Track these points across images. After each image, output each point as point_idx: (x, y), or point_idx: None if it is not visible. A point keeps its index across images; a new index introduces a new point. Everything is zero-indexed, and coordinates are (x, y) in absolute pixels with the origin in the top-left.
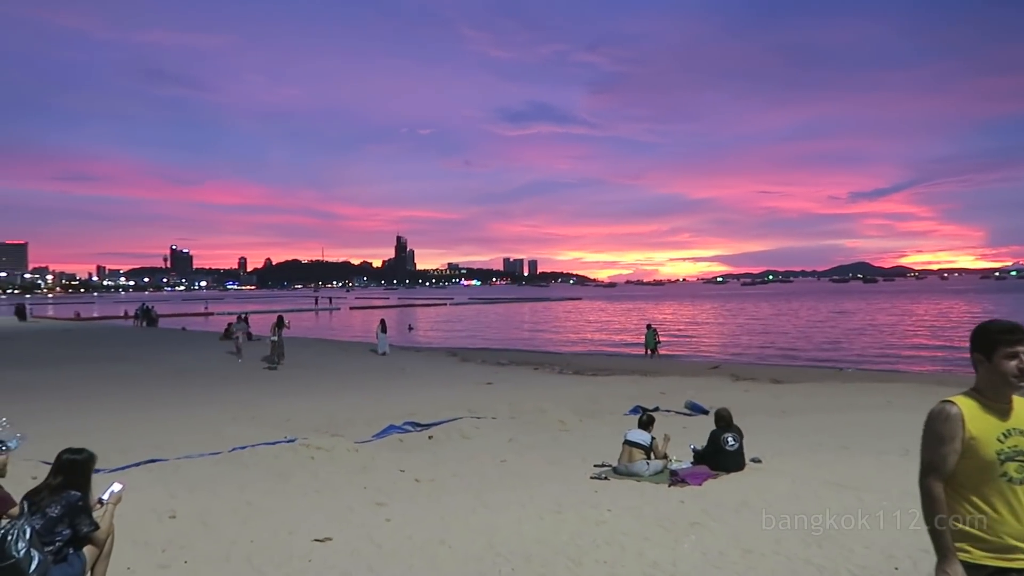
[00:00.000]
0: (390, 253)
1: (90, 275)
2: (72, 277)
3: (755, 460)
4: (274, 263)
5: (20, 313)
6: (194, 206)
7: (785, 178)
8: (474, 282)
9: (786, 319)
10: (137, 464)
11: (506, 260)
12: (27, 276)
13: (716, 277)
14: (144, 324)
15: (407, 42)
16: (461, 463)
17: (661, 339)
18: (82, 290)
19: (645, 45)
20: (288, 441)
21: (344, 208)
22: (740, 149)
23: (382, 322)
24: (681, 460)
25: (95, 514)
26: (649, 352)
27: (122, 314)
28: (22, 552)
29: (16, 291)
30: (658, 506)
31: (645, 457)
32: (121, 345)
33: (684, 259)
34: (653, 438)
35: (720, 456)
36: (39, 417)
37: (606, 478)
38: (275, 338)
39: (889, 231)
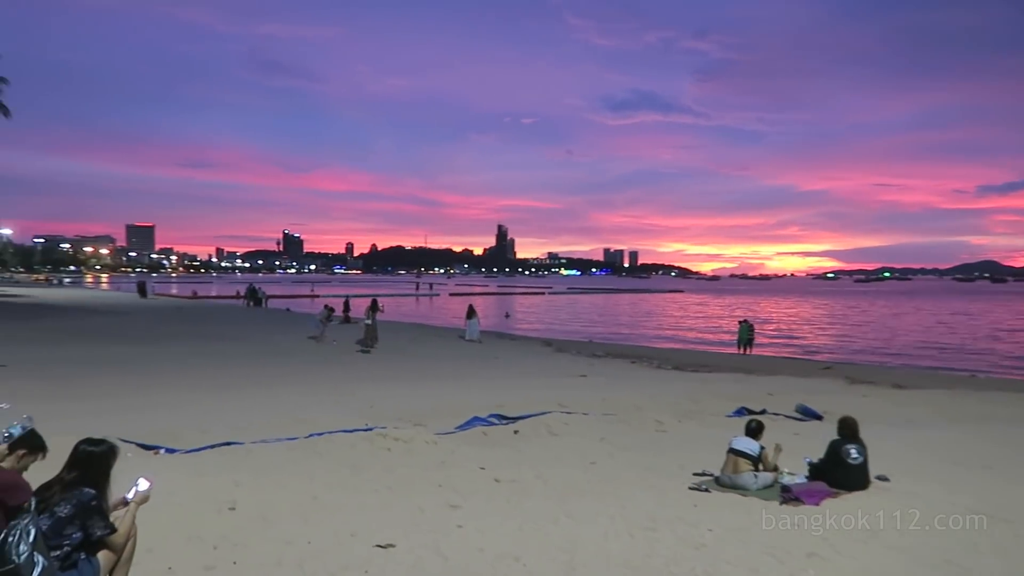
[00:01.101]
0: (491, 241)
1: (209, 256)
2: (193, 258)
3: (881, 478)
4: (379, 248)
5: (141, 290)
6: (305, 192)
7: (905, 170)
8: (573, 272)
9: (906, 319)
10: (212, 446)
11: (606, 251)
12: (154, 256)
13: (826, 273)
14: (252, 304)
15: (512, 31)
16: (546, 463)
17: (755, 337)
18: (202, 270)
19: (755, 31)
20: (366, 430)
21: (447, 196)
22: (855, 139)
23: (470, 307)
24: (794, 474)
25: (116, 514)
26: (742, 349)
27: (234, 294)
28: (23, 556)
29: (144, 269)
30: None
31: (753, 468)
32: (226, 323)
33: (792, 253)
34: (762, 447)
35: (841, 471)
36: (128, 392)
37: (707, 490)
38: (369, 321)
39: (1022, 228)
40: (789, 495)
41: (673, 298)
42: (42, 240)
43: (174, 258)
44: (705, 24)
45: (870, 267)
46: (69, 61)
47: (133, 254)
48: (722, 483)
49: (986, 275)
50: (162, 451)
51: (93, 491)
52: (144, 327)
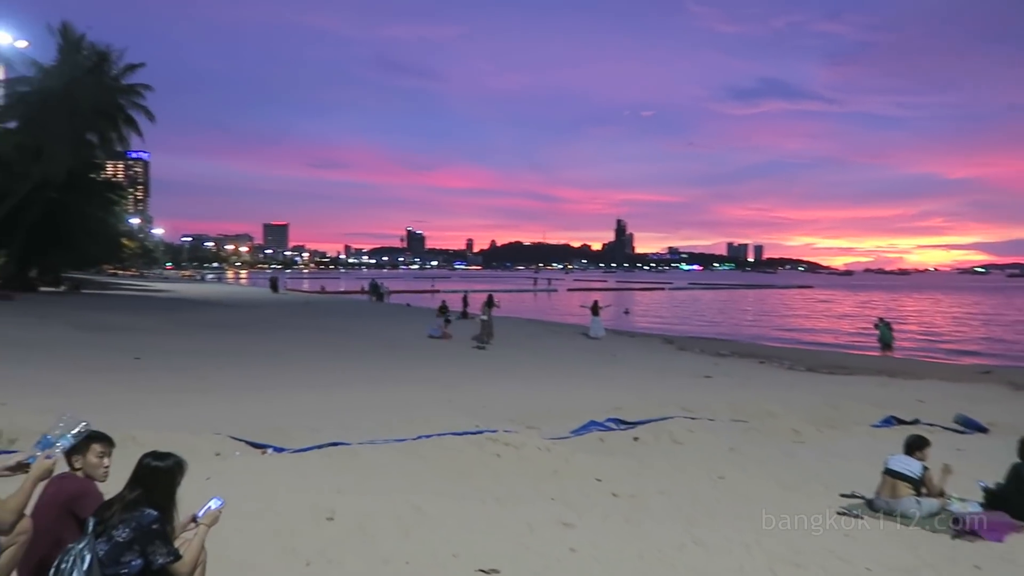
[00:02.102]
0: (609, 236)
1: (338, 253)
2: (323, 255)
3: None
4: (498, 244)
5: (274, 285)
6: (428, 190)
7: None
8: (694, 267)
9: None
10: (319, 447)
11: (729, 245)
12: (287, 253)
13: (975, 267)
14: (374, 299)
15: (632, 23)
16: (669, 476)
17: (895, 336)
18: (331, 267)
19: (893, 9)
20: (475, 433)
21: (566, 191)
22: (1011, 121)
23: (595, 304)
24: (965, 500)
25: (184, 536)
26: (885, 350)
27: (359, 289)
28: None
29: (278, 266)
30: (940, 570)
31: (914, 492)
32: (348, 318)
33: (935, 246)
34: (925, 467)
35: None
36: (247, 386)
37: (859, 516)
38: (485, 317)
39: None
40: (962, 527)
41: (802, 294)
42: (189, 239)
43: (306, 255)
44: (838, 6)
45: None
46: (208, 69)
47: (269, 251)
48: (877, 508)
49: None
50: (270, 450)
51: (155, 513)
52: (273, 321)
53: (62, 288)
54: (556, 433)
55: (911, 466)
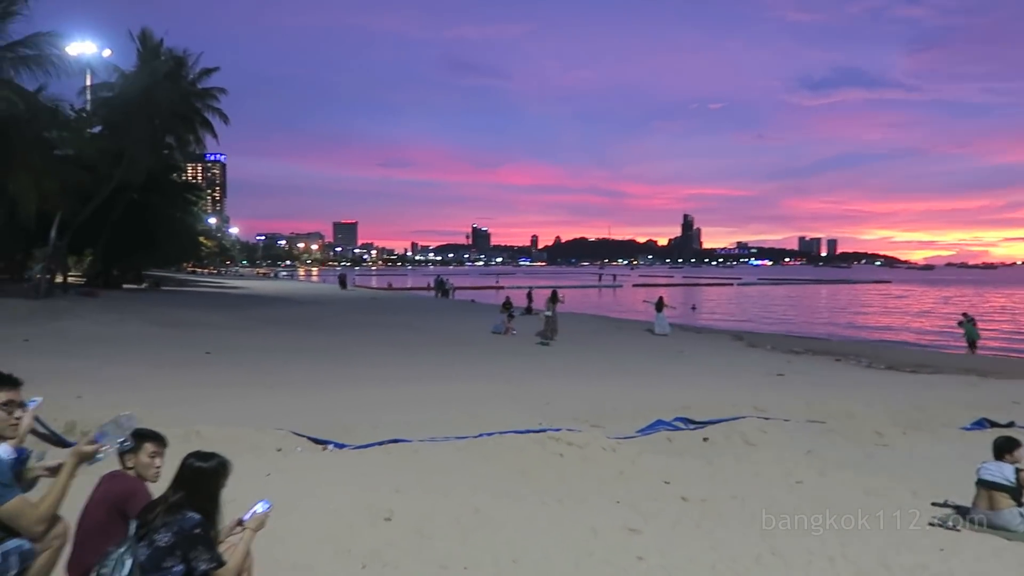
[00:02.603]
0: (676, 231)
1: (405, 251)
2: (391, 252)
3: None
4: (563, 241)
5: (342, 282)
6: (493, 187)
7: None
8: (765, 262)
9: None
10: (380, 443)
11: (801, 239)
12: (356, 251)
13: None
14: (440, 295)
15: (698, 15)
16: (742, 479)
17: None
18: (398, 264)
19: None
20: (538, 431)
21: (631, 186)
22: None
23: (659, 300)
24: None
25: (229, 540)
26: (972, 349)
27: (425, 286)
28: None
29: (347, 263)
30: None
31: (1015, 503)
32: (414, 313)
33: (1023, 239)
34: (1020, 470)
35: None
36: (312, 381)
37: (955, 527)
38: (549, 313)
39: None
40: None
41: (878, 289)
42: (263, 237)
43: (374, 252)
44: None
45: None
46: (279, 74)
47: (339, 249)
48: (974, 521)
49: None
50: (331, 446)
51: (198, 516)
52: (339, 317)
53: (144, 285)
54: (622, 432)
55: (1005, 472)
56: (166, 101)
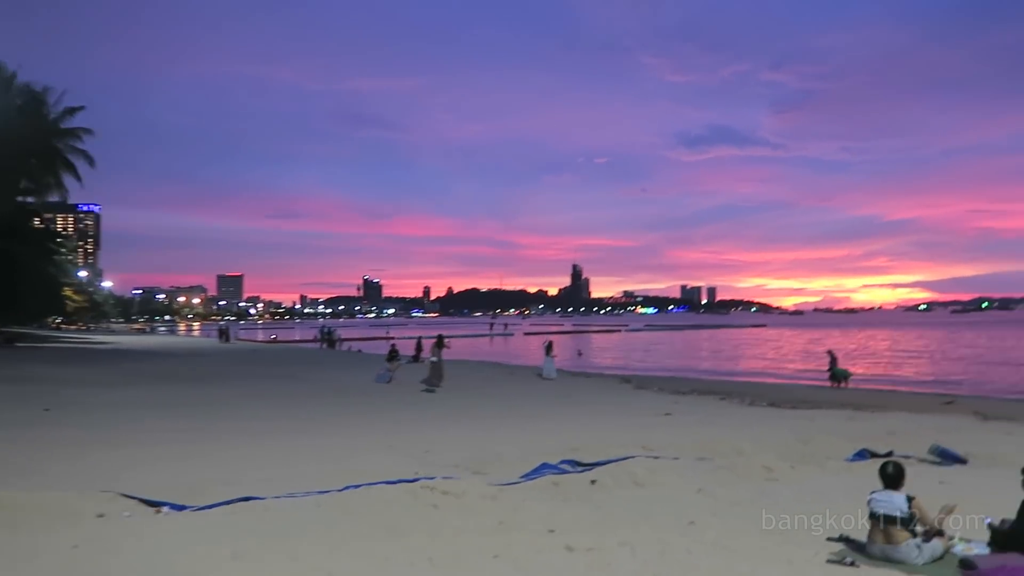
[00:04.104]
0: (566, 281)
1: (293, 303)
2: (278, 305)
3: None
4: (455, 291)
5: (222, 334)
6: (386, 238)
7: (1003, 193)
8: (650, 309)
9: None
10: (227, 503)
11: (683, 287)
12: (241, 304)
13: (919, 305)
14: (326, 346)
15: (586, 74)
16: (632, 523)
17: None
18: (286, 317)
19: (835, 60)
20: (411, 481)
21: (522, 237)
22: (949, 164)
23: (548, 344)
24: (969, 541)
25: None
26: (837, 383)
27: (313, 338)
28: None
29: (232, 317)
30: None
31: (911, 534)
32: (296, 364)
33: (880, 285)
34: (911, 498)
35: None
36: (167, 437)
37: (854, 564)
38: (434, 359)
39: None
40: (978, 574)
41: (755, 333)
42: (140, 291)
43: (260, 305)
44: (782, 56)
45: (966, 297)
46: (166, 122)
47: (223, 303)
48: (871, 555)
49: None
50: (166, 509)
51: None
52: (213, 369)
53: None
54: (505, 478)
55: (896, 502)
56: (19, 139)
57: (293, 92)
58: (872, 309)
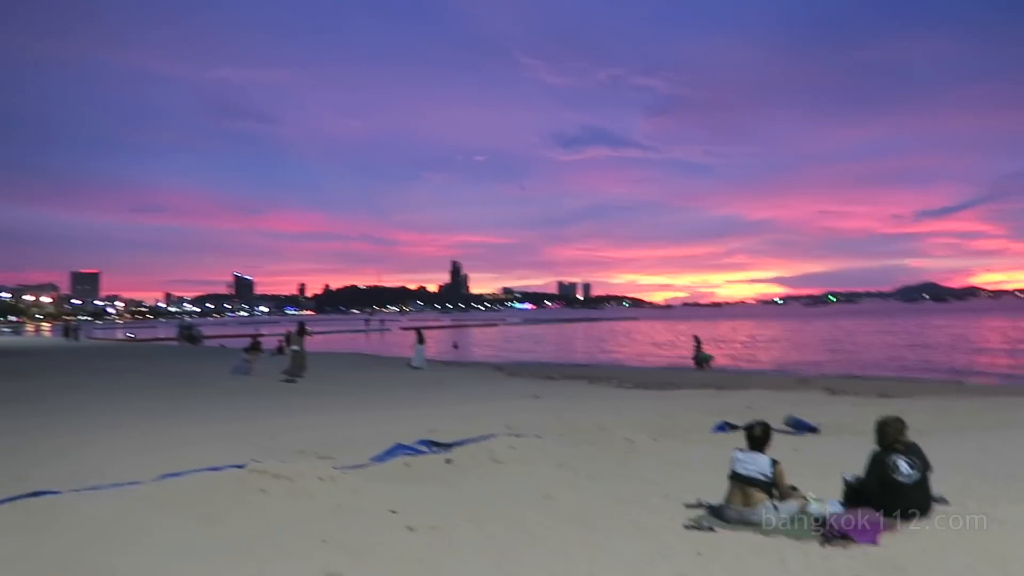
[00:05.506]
0: (445, 278)
1: (157, 302)
2: (140, 304)
3: (938, 500)
4: (332, 288)
5: (69, 332)
6: (258, 234)
7: (848, 197)
8: (527, 305)
9: (866, 335)
10: (11, 499)
11: (560, 284)
12: (97, 303)
13: (775, 299)
14: (185, 343)
15: (465, 72)
16: (486, 501)
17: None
18: (150, 316)
19: (703, 68)
20: (239, 467)
21: (401, 234)
22: (801, 168)
23: (419, 332)
24: (822, 499)
25: None
26: (701, 366)
27: (176, 336)
28: None
29: (87, 317)
30: None
31: (768, 496)
32: (150, 360)
33: (741, 281)
34: (775, 462)
35: (890, 493)
36: None
37: (711, 528)
38: (296, 348)
39: (958, 250)
40: (831, 531)
41: (628, 325)
42: None
43: (120, 304)
44: (654, 62)
45: (816, 292)
46: (18, 110)
47: (77, 302)
48: (729, 518)
49: (927, 296)
50: None
51: None
52: (46, 364)
53: None
54: (358, 461)
55: (760, 464)
56: None
57: (156, 80)
58: (735, 303)
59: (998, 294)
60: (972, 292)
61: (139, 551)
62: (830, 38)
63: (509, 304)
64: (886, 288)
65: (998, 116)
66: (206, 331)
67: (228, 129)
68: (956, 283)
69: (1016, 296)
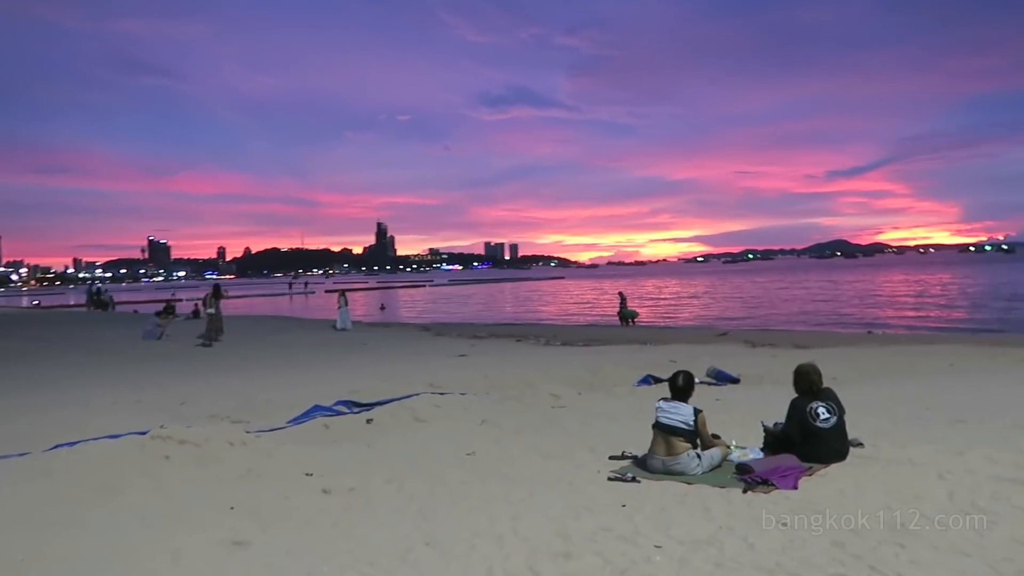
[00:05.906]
0: (371, 240)
1: (66, 268)
2: (47, 270)
3: (854, 443)
4: (253, 252)
5: None
6: (171, 196)
7: (763, 158)
8: (456, 266)
9: (782, 291)
10: None
11: (487, 244)
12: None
13: (696, 257)
14: (95, 308)
15: (385, 30)
16: (407, 459)
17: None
18: (58, 283)
19: (625, 28)
20: (140, 434)
21: (324, 196)
22: (720, 130)
23: (342, 294)
24: (744, 447)
25: None
26: (627, 322)
27: (85, 303)
28: None
29: None
30: (745, 534)
31: (691, 445)
32: (54, 326)
33: (664, 240)
34: (699, 411)
35: (811, 440)
36: None
37: (635, 479)
38: (212, 311)
39: (866, 208)
40: (753, 478)
41: (554, 284)
42: None
43: (24, 271)
44: (576, 22)
45: (735, 250)
46: None
47: None
48: (652, 469)
49: (838, 253)
50: None
51: None
52: None
53: None
54: (273, 424)
55: (683, 413)
56: None
57: (54, 32)
58: (658, 262)
59: (902, 250)
60: (879, 248)
61: (21, 529)
62: (748, 1)
63: (436, 266)
64: (800, 245)
65: (904, 80)
66: (120, 297)
67: (135, 86)
68: (865, 240)
69: (919, 252)
